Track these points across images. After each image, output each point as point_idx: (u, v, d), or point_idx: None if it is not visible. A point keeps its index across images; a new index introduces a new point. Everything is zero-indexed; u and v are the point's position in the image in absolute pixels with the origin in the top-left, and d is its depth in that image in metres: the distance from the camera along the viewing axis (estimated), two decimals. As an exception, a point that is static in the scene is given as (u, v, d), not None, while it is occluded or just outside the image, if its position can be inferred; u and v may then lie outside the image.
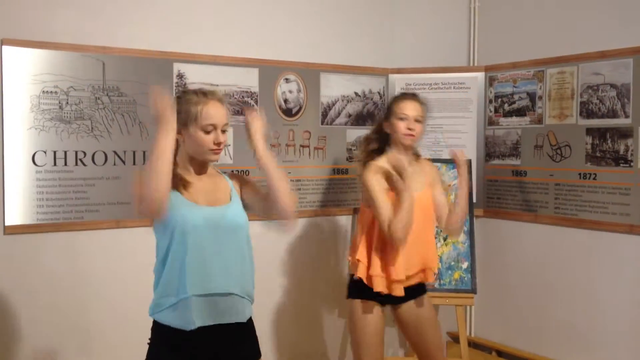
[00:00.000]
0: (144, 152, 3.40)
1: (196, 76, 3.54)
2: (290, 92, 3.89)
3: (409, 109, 2.95)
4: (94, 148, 3.28)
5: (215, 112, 2.17)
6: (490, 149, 4.11)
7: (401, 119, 2.94)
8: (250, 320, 2.30)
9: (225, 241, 2.20)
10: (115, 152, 3.33)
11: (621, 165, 3.45)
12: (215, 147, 2.18)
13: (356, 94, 4.13)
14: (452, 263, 3.78)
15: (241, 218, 2.27)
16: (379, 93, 4.22)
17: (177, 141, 2.17)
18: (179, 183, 2.19)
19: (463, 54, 4.31)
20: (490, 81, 4.12)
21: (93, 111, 3.27)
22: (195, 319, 2.15)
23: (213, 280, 2.17)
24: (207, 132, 2.16)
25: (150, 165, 2.04)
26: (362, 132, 4.13)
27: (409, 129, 2.93)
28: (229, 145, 3.66)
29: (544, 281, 3.86)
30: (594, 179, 3.58)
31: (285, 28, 3.87)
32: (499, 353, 4.08)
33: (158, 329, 2.24)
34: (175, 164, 2.17)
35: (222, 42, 3.64)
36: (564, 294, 3.77)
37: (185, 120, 2.16)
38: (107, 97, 3.30)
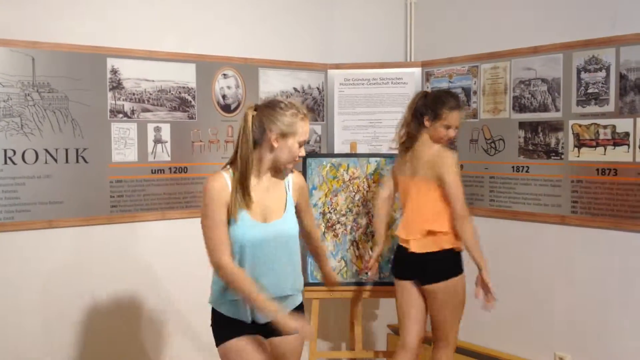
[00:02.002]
0: (77, 150, 3.32)
1: (131, 72, 3.47)
2: (229, 87, 3.86)
3: (455, 119, 3.12)
4: (24, 146, 3.18)
5: (308, 130, 2.45)
6: (427, 144, 4.16)
7: (447, 127, 3.11)
8: (299, 306, 2.57)
9: (277, 252, 2.43)
10: (46, 150, 3.24)
11: (552, 158, 3.55)
12: (299, 159, 2.46)
13: (295, 89, 4.13)
14: (392, 257, 3.81)
15: (293, 229, 2.50)
16: (318, 88, 4.22)
17: (253, 148, 2.39)
18: (246, 198, 2.38)
19: (400, 50, 4.36)
20: (427, 76, 4.18)
21: (23, 108, 3.17)
22: (250, 315, 2.46)
23: (266, 287, 2.40)
24: (300, 146, 2.42)
25: (235, 285, 2.37)
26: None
27: (449, 136, 3.14)
28: (167, 142, 3.61)
29: (480, 272, 3.94)
30: (527, 171, 3.67)
31: (223, 23, 3.83)
32: (439, 344, 4.14)
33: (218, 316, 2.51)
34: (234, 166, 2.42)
35: (158, 37, 3.58)
36: (499, 284, 3.84)
37: (286, 132, 2.37)
38: (38, 94, 3.21)
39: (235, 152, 2.41)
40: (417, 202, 3.15)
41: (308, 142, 4.19)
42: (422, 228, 3.11)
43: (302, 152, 2.43)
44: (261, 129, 2.38)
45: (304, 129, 2.40)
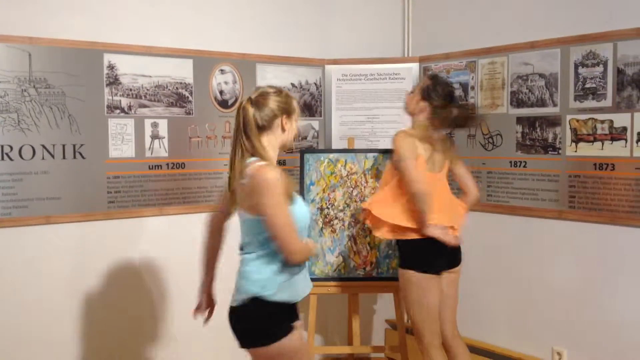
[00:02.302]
0: (74, 146, 3.31)
1: (128, 67, 3.47)
2: (226, 83, 3.85)
3: None
4: (21, 142, 3.17)
5: None
6: (425, 139, 4.16)
7: None
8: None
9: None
10: (43, 146, 3.23)
11: (550, 153, 3.55)
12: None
13: (293, 85, 4.13)
14: (390, 252, 3.82)
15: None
16: (315, 84, 4.22)
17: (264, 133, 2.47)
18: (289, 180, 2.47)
19: (398, 45, 4.36)
20: (425, 72, 4.17)
21: (19, 104, 3.17)
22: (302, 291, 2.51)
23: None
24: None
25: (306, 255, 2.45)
26: (300, 123, 4.14)
27: None
28: (164, 137, 3.61)
29: (476, 267, 3.94)
30: (524, 166, 3.67)
31: (220, 18, 3.82)
32: (437, 339, 4.15)
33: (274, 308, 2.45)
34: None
35: (155, 32, 3.58)
36: (497, 279, 3.87)
37: (290, 111, 2.50)
38: (34, 89, 3.20)
39: (252, 145, 2.41)
40: (446, 188, 3.24)
41: (305, 138, 4.20)
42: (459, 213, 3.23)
43: None
44: (267, 116, 2.43)
45: (298, 108, 2.57)
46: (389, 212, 3.11)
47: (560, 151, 3.50)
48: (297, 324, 2.46)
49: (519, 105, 3.68)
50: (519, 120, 3.68)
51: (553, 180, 3.54)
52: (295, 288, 2.44)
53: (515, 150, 3.70)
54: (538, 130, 3.59)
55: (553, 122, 3.52)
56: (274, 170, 2.35)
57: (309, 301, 3.89)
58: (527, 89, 3.64)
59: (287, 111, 2.48)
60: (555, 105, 3.52)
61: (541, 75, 3.57)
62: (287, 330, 2.39)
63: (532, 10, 3.63)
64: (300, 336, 2.46)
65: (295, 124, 2.54)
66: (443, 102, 3.13)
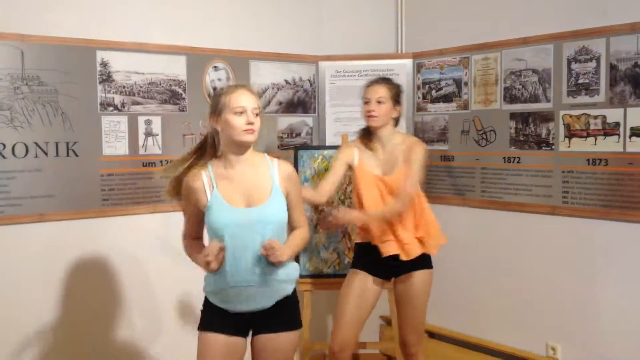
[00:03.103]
0: (67, 144, 3.30)
1: (121, 64, 3.46)
2: (219, 80, 3.85)
3: (369, 92, 3.12)
4: (14, 139, 3.16)
5: (243, 97, 2.42)
6: (419, 135, 4.17)
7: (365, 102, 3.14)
8: (290, 296, 2.52)
9: (255, 239, 2.38)
10: (36, 144, 3.22)
11: (543, 148, 3.56)
12: (248, 127, 2.39)
13: (286, 81, 4.12)
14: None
15: (275, 216, 2.45)
16: (309, 80, 4.22)
17: (215, 135, 2.49)
18: (219, 179, 2.45)
19: (391, 41, 4.36)
20: (418, 68, 4.18)
21: (12, 101, 3.15)
22: (232, 306, 2.46)
23: (240, 275, 2.40)
24: (239, 115, 2.39)
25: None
26: (294, 119, 4.15)
27: (368, 110, 3.11)
28: (158, 135, 3.60)
29: (471, 263, 3.96)
30: (518, 162, 3.68)
31: (213, 15, 3.81)
32: (431, 334, 4.16)
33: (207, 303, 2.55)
34: (217, 157, 2.49)
35: (148, 29, 3.56)
36: (491, 274, 3.88)
37: (220, 111, 2.42)
38: (27, 87, 3.19)
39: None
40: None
41: (299, 134, 4.19)
42: None
43: (251, 119, 2.40)
44: (207, 121, 2.51)
45: (232, 98, 2.41)
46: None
47: (553, 147, 3.51)
48: (216, 336, 2.47)
49: (513, 101, 3.69)
50: (513, 116, 3.69)
51: (546, 176, 3.55)
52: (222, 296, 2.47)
53: (509, 146, 3.71)
54: (531, 126, 3.60)
55: (546, 117, 3.53)
56: (187, 176, 2.48)
57: (303, 298, 3.90)
58: (520, 84, 3.65)
59: (214, 111, 2.44)
60: (548, 100, 3.52)
61: (534, 71, 3.58)
62: (203, 326, 2.52)
63: (525, 5, 3.64)
64: (207, 345, 2.47)
65: (232, 118, 2.39)
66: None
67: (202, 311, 2.55)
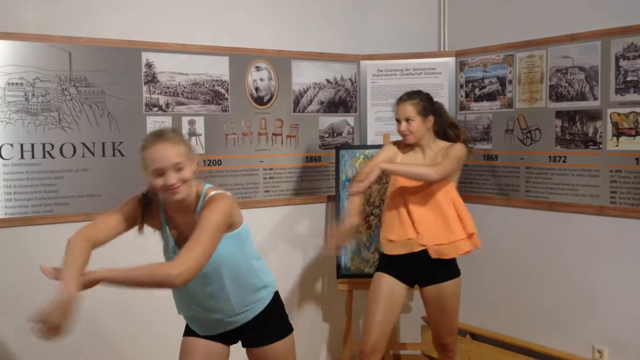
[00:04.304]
0: (113, 144, 3.36)
1: (165, 65, 3.50)
2: (262, 80, 3.87)
3: (398, 112, 3.18)
4: (62, 140, 3.23)
5: (158, 155, 2.13)
6: (462, 134, 4.13)
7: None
8: (266, 309, 2.46)
9: (205, 280, 2.29)
10: (83, 144, 3.29)
11: (590, 147, 3.48)
12: (167, 189, 2.15)
13: (328, 81, 4.12)
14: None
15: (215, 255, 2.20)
16: (350, 80, 4.21)
17: None
18: (168, 220, 2.32)
19: (434, 40, 4.32)
20: (461, 66, 4.13)
21: (60, 102, 3.22)
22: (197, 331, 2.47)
23: (200, 309, 2.41)
24: (159, 176, 2.14)
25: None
26: (335, 119, 4.15)
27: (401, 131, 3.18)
28: (201, 134, 3.64)
29: (516, 264, 3.90)
30: (564, 161, 3.61)
31: (255, 15, 3.84)
32: (473, 336, 4.12)
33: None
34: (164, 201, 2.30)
35: (192, 31, 3.61)
36: (537, 276, 3.81)
37: (145, 168, 2.18)
38: (75, 88, 3.25)
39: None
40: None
41: (340, 134, 4.18)
42: None
43: (171, 180, 2.13)
44: None
45: (147, 157, 2.15)
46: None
47: (600, 146, 3.44)
48: (196, 340, 2.48)
49: (559, 99, 3.62)
50: (559, 114, 3.62)
51: (593, 176, 3.48)
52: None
53: (555, 145, 3.64)
54: (578, 124, 3.53)
55: (593, 116, 3.46)
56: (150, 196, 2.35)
57: (344, 298, 3.90)
58: (566, 82, 3.57)
59: (144, 167, 2.20)
60: (595, 98, 3.45)
61: (581, 69, 3.50)
62: (184, 331, 2.54)
63: (572, 2, 3.57)
64: (183, 349, 2.48)
65: (153, 181, 2.16)
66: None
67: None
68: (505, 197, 3.93)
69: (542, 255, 3.77)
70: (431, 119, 3.17)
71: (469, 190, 4.11)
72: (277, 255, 3.94)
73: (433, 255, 3.05)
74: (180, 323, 2.58)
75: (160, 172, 2.13)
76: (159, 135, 2.18)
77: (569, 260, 3.64)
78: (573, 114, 3.55)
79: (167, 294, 2.42)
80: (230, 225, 2.25)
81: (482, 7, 4.07)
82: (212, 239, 2.12)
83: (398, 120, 3.18)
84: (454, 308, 3.17)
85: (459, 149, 3.14)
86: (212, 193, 2.23)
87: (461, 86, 4.14)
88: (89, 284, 2.06)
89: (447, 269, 3.13)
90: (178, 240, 2.30)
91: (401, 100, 3.19)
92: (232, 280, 2.33)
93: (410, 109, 3.13)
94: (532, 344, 3.82)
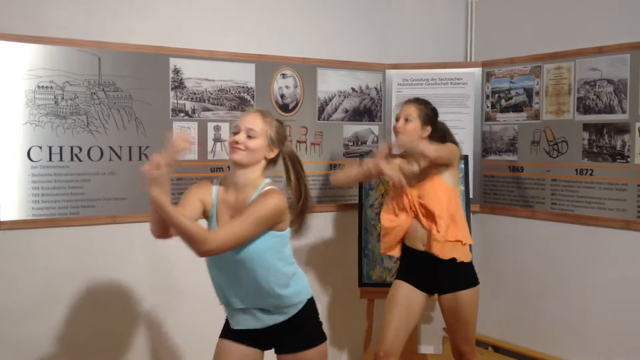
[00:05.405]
0: (140, 148, 3.39)
1: (192, 71, 3.53)
2: (287, 87, 3.88)
3: (400, 110, 3.17)
4: (89, 143, 3.27)
5: (243, 118, 2.38)
6: (487, 145, 4.11)
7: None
8: (288, 322, 2.45)
9: (235, 268, 2.35)
10: (111, 148, 3.32)
11: (618, 161, 3.44)
12: (231, 145, 2.34)
13: (353, 89, 4.13)
14: (449, 259, 3.77)
15: (252, 247, 2.30)
16: (375, 89, 4.21)
17: None
18: (219, 200, 2.44)
19: (460, 50, 4.31)
20: (487, 77, 4.11)
21: (89, 106, 3.26)
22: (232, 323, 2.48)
23: (230, 298, 2.44)
24: (234, 134, 2.36)
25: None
26: (359, 127, 4.15)
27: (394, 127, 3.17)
28: (226, 141, 3.65)
29: (540, 277, 3.86)
30: (591, 174, 3.57)
31: (281, 23, 3.86)
32: (496, 348, 4.09)
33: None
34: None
35: (219, 37, 3.63)
36: (560, 289, 3.77)
37: None
38: (103, 92, 3.29)
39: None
40: None
41: (365, 142, 4.18)
42: None
43: (240, 137, 2.33)
44: None
45: (239, 120, 2.41)
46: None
47: (629, 159, 3.40)
48: (231, 344, 2.49)
49: (586, 112, 3.59)
50: (586, 126, 3.59)
51: (621, 189, 3.44)
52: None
53: (582, 157, 3.61)
54: (606, 137, 3.49)
55: (622, 129, 3.42)
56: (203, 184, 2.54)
57: (365, 307, 3.88)
58: (594, 94, 3.54)
59: None
60: (624, 112, 3.41)
61: (609, 81, 3.47)
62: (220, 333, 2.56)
63: (600, 14, 3.54)
64: (217, 351, 2.51)
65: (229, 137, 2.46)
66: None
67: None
68: (530, 209, 3.89)
69: (566, 268, 3.73)
70: (429, 129, 3.12)
71: (494, 201, 4.08)
72: (298, 261, 3.93)
73: (437, 252, 3.02)
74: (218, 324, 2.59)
75: (236, 130, 2.35)
76: (257, 109, 2.46)
77: (593, 274, 3.59)
78: (601, 127, 3.51)
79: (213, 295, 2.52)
80: (277, 224, 2.33)
81: (509, 18, 4.05)
82: (252, 227, 2.24)
83: (397, 119, 3.15)
84: (470, 317, 3.12)
85: (450, 144, 3.10)
86: (270, 187, 2.35)
87: (487, 97, 4.12)
88: (152, 199, 2.27)
89: (465, 277, 3.10)
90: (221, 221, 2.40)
91: (408, 101, 3.18)
92: (253, 275, 2.34)
93: (412, 110, 3.11)
94: (554, 357, 3.78)
